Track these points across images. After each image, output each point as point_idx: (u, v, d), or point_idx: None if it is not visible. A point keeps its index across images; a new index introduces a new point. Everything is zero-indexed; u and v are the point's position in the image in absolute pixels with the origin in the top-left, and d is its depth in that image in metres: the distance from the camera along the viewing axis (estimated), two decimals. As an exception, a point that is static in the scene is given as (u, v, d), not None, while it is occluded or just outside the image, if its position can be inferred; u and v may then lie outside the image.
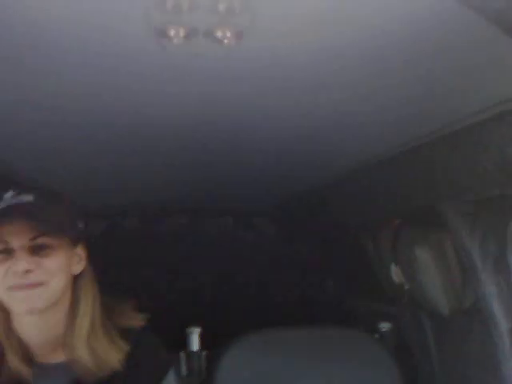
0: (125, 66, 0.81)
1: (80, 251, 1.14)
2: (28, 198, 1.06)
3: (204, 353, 1.66)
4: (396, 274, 1.59)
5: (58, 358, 1.14)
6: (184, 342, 1.68)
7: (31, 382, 1.11)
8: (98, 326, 1.12)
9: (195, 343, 1.67)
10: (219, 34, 0.74)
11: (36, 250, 1.05)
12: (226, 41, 0.75)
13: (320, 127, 1.15)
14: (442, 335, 1.49)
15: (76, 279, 1.13)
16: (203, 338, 1.72)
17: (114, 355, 1.11)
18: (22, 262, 1.02)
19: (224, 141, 1.25)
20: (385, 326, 1.73)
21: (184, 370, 1.60)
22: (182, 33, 0.72)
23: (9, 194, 1.08)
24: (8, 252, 1.04)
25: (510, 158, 0.97)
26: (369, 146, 1.25)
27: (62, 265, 1.07)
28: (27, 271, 1.02)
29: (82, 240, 1.15)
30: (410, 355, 1.63)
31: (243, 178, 1.64)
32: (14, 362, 1.09)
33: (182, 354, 1.63)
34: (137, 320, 1.19)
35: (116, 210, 1.79)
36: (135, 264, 1.70)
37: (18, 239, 1.04)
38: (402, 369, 1.55)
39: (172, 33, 0.73)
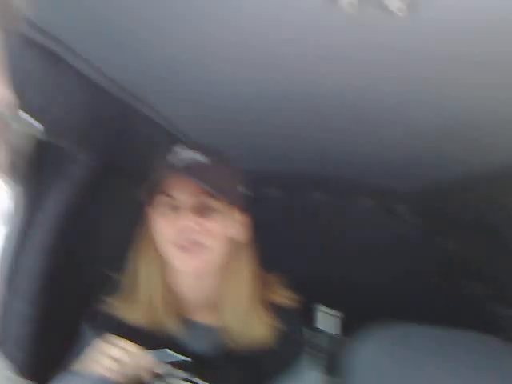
0: (294, 33, 0.80)
1: (239, 217, 1.13)
2: (199, 156, 1.07)
3: (334, 334, 1.65)
4: None
5: (209, 319, 1.17)
6: (312, 321, 1.68)
7: (178, 336, 1.16)
8: (249, 297, 1.13)
9: (322, 322, 1.66)
10: (392, 4, 0.70)
11: (201, 211, 1.06)
12: (397, 12, 0.71)
13: (483, 114, 1.05)
14: None
15: (234, 246, 1.13)
16: (333, 321, 1.71)
17: (260, 330, 1.12)
18: (187, 221, 1.04)
19: (377, 117, 1.20)
20: None
21: (310, 348, 1.60)
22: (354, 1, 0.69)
23: (181, 149, 1.09)
24: (174, 208, 1.06)
25: None
26: None
27: (223, 228, 1.08)
28: (190, 230, 1.04)
29: (243, 205, 1.14)
30: None
31: (388, 161, 1.57)
32: (162, 314, 1.13)
33: (309, 331, 1.63)
34: (288, 299, 1.19)
35: (259, 178, 1.82)
36: (273, 235, 1.72)
37: (184, 197, 1.06)
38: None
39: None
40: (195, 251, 1.05)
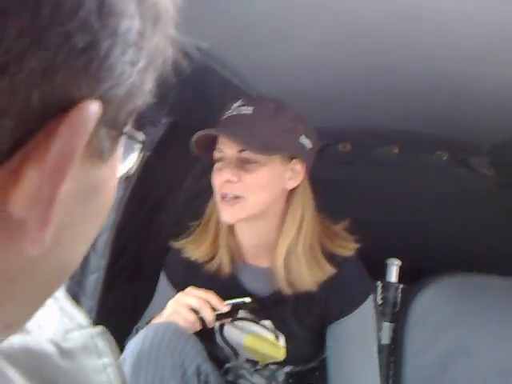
0: None
1: (296, 167, 1.16)
2: (248, 109, 1.09)
3: (401, 286, 1.66)
4: None
5: (266, 263, 1.24)
6: (381, 274, 1.69)
7: (239, 278, 1.25)
8: (303, 243, 1.16)
9: (393, 275, 1.68)
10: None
11: (242, 163, 1.10)
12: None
13: None
14: None
15: (289, 194, 1.17)
16: (402, 273, 1.71)
17: (311, 277, 1.15)
18: (227, 173, 1.09)
19: (452, 69, 1.15)
20: None
21: (379, 299, 1.63)
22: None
23: (236, 105, 1.12)
24: (224, 160, 1.12)
25: None
26: None
27: (264, 181, 1.11)
28: (229, 181, 1.09)
29: (303, 155, 1.15)
30: None
31: (465, 110, 1.52)
32: (222, 256, 1.22)
33: (379, 284, 1.65)
34: (349, 248, 1.22)
35: (331, 132, 1.81)
36: (341, 188, 1.73)
37: (228, 150, 1.11)
38: None
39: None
40: (232, 203, 1.10)
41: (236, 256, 1.25)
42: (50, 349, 0.39)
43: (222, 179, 1.10)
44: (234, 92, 1.35)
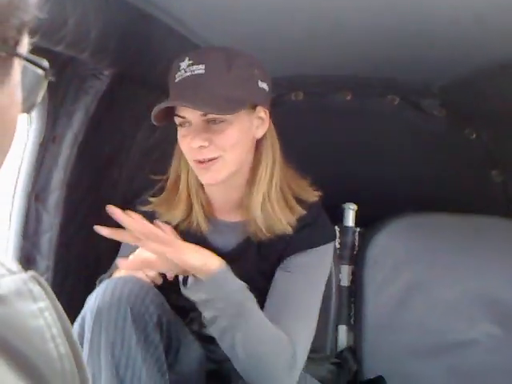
0: None
1: (262, 114, 1.14)
2: (199, 68, 1.06)
3: (358, 229, 1.70)
4: None
5: (235, 218, 1.25)
6: (338, 218, 1.72)
7: (206, 235, 1.25)
8: (275, 189, 1.17)
9: (350, 219, 1.71)
10: None
11: (208, 126, 1.08)
12: None
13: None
14: None
15: (258, 142, 1.17)
16: (358, 216, 1.75)
17: (286, 218, 1.17)
18: (196, 140, 1.07)
19: (399, 8, 1.15)
20: None
21: (337, 243, 1.67)
22: None
23: (184, 63, 1.07)
24: (189, 124, 1.10)
25: None
26: None
27: (235, 137, 1.10)
28: (201, 147, 1.08)
29: (264, 101, 1.14)
30: None
31: (413, 53, 1.52)
32: (197, 215, 1.21)
33: (336, 228, 1.68)
34: (312, 194, 1.23)
35: (283, 82, 1.80)
36: (298, 137, 1.73)
37: (191, 115, 1.09)
38: None
39: None
40: (209, 165, 1.10)
41: (207, 213, 1.25)
42: None
43: (192, 146, 1.08)
44: (179, 42, 1.32)
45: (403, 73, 1.73)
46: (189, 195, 1.21)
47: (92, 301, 1.07)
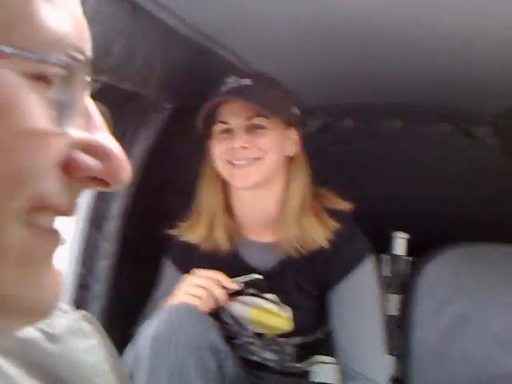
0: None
1: (293, 135, 1.23)
2: (246, 81, 1.15)
3: (409, 259, 1.68)
4: None
5: (267, 238, 1.28)
6: (387, 247, 1.71)
7: (239, 253, 1.27)
8: (308, 205, 1.22)
9: (401, 248, 1.69)
10: None
11: (251, 130, 1.16)
12: None
13: None
14: None
15: (289, 161, 1.23)
16: (409, 246, 1.73)
17: (321, 232, 1.21)
18: (239, 140, 1.14)
19: (449, 34, 1.15)
20: None
21: (387, 271, 1.65)
22: None
23: (231, 79, 1.17)
24: (228, 131, 1.17)
25: None
26: None
27: (274, 144, 1.17)
28: (243, 147, 1.14)
29: (296, 124, 1.23)
30: None
31: (466, 80, 1.51)
32: (220, 236, 1.25)
33: (387, 256, 1.67)
34: (344, 204, 1.25)
35: (333, 109, 1.81)
36: (347, 163, 1.74)
37: (236, 119, 1.16)
38: None
39: None
40: (249, 166, 1.15)
41: (234, 234, 1.28)
42: (37, 335, 0.40)
43: (234, 146, 1.15)
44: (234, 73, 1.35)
45: (454, 100, 1.72)
46: (210, 216, 1.25)
47: (148, 329, 1.09)
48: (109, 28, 0.85)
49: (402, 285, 1.63)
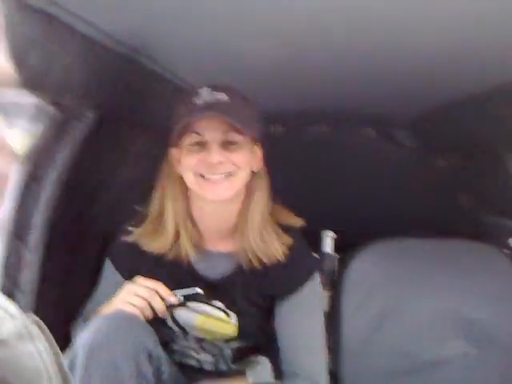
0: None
1: (258, 150, 1.27)
2: (222, 96, 1.16)
3: (337, 256, 1.76)
4: None
5: (222, 248, 1.31)
6: (317, 245, 1.78)
7: (194, 264, 1.29)
8: (267, 219, 1.26)
9: (329, 246, 1.77)
10: None
11: (226, 145, 1.18)
12: None
13: (489, 34, 1.06)
14: None
15: (253, 176, 1.27)
16: (337, 243, 1.81)
17: (279, 246, 1.25)
18: (216, 155, 1.16)
19: (375, 42, 1.22)
20: None
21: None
22: None
23: (204, 90, 1.18)
24: (202, 145, 1.18)
25: None
26: None
27: (246, 159, 1.20)
28: (219, 163, 1.16)
29: (260, 140, 1.26)
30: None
31: (387, 85, 1.60)
32: (186, 245, 1.26)
33: (316, 255, 1.74)
34: (295, 220, 1.30)
35: (263, 115, 1.86)
36: (276, 169, 1.79)
37: (212, 133, 1.17)
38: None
39: None
40: (222, 181, 1.18)
41: (197, 245, 1.29)
42: None
43: (211, 161, 1.16)
44: (162, 85, 1.38)
45: (379, 106, 1.81)
46: (176, 225, 1.25)
47: (84, 337, 1.09)
48: (24, 40, 0.87)
49: (331, 281, 1.70)
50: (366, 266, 1.61)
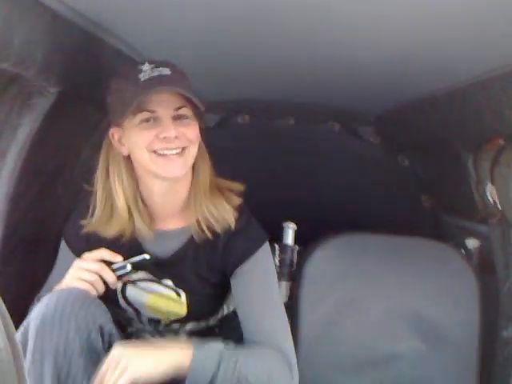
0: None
1: (201, 124, 1.25)
2: (166, 70, 1.14)
3: (297, 248, 1.78)
4: (491, 193, 1.58)
5: (172, 225, 1.30)
6: (278, 236, 1.80)
7: (145, 245, 1.28)
8: (214, 187, 1.27)
9: (290, 238, 1.79)
10: None
11: (178, 120, 1.17)
12: None
13: (443, 35, 1.09)
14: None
15: (199, 150, 1.25)
16: (297, 235, 1.83)
17: (230, 209, 1.25)
18: (171, 130, 1.14)
19: (339, 41, 1.24)
20: (473, 243, 1.74)
21: (277, 260, 1.73)
22: None
23: (146, 66, 1.15)
24: (155, 120, 1.16)
25: None
26: (481, 59, 1.19)
27: (197, 134, 1.20)
28: (175, 137, 1.15)
29: (202, 114, 1.23)
30: (493, 273, 1.64)
31: (352, 85, 1.63)
32: (139, 226, 1.24)
33: (277, 246, 1.75)
34: (236, 185, 1.31)
35: (231, 105, 1.88)
36: (242, 158, 1.81)
37: (164, 109, 1.15)
38: (484, 286, 1.58)
39: None
40: (177, 159, 1.17)
41: (148, 224, 1.27)
42: None
43: (167, 135, 1.14)
44: (126, 63, 1.37)
45: (343, 101, 1.84)
46: (128, 208, 1.23)
47: (36, 311, 1.09)
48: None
49: (291, 272, 1.72)
50: (325, 260, 1.63)
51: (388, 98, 1.71)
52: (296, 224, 1.83)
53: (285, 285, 1.71)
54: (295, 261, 1.74)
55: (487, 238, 1.67)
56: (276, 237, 1.76)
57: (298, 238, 1.83)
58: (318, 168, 1.90)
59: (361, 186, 1.89)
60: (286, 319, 1.29)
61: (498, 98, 1.25)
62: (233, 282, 1.28)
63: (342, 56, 1.36)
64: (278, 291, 1.34)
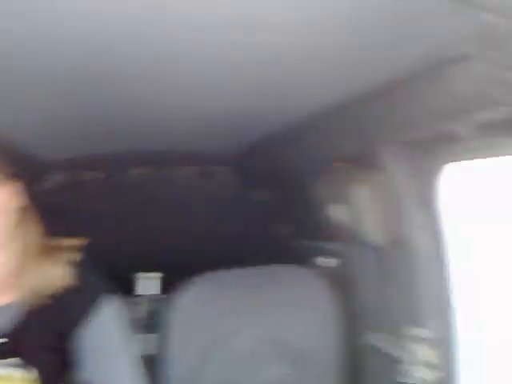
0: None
1: (14, 187, 1.18)
2: None
3: (163, 296, 1.74)
4: (337, 213, 1.69)
5: (7, 299, 1.20)
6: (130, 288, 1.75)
7: None
8: (47, 250, 1.21)
9: (153, 287, 1.75)
10: None
11: None
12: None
13: (282, 72, 1.14)
14: (383, 269, 1.56)
15: (18, 215, 1.19)
16: (166, 283, 1.80)
17: (65, 270, 1.19)
18: None
19: (181, 91, 1.26)
20: (329, 262, 1.81)
21: (143, 312, 1.69)
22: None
23: None
24: None
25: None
26: (317, 95, 1.28)
27: (4, 203, 1.13)
28: None
29: (11, 177, 1.18)
30: (349, 289, 1.71)
31: (204, 128, 1.67)
32: None
33: (140, 297, 1.71)
34: (76, 241, 1.25)
35: (80, 162, 1.83)
36: (97, 216, 1.76)
37: None
38: (342, 301, 1.64)
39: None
40: None
41: None
42: None
43: None
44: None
45: (200, 145, 1.87)
46: None
47: None
48: None
49: (157, 323, 1.67)
50: (188, 303, 1.60)
51: (245, 136, 1.77)
52: (164, 272, 1.80)
53: (152, 337, 1.65)
54: (157, 311, 1.70)
55: (342, 255, 1.75)
56: (128, 288, 1.72)
57: (167, 287, 1.79)
58: (179, 214, 1.90)
59: (220, 225, 1.91)
60: (140, 374, 1.25)
61: (333, 130, 1.34)
62: (77, 346, 1.21)
63: (189, 104, 1.39)
64: (130, 346, 1.27)
